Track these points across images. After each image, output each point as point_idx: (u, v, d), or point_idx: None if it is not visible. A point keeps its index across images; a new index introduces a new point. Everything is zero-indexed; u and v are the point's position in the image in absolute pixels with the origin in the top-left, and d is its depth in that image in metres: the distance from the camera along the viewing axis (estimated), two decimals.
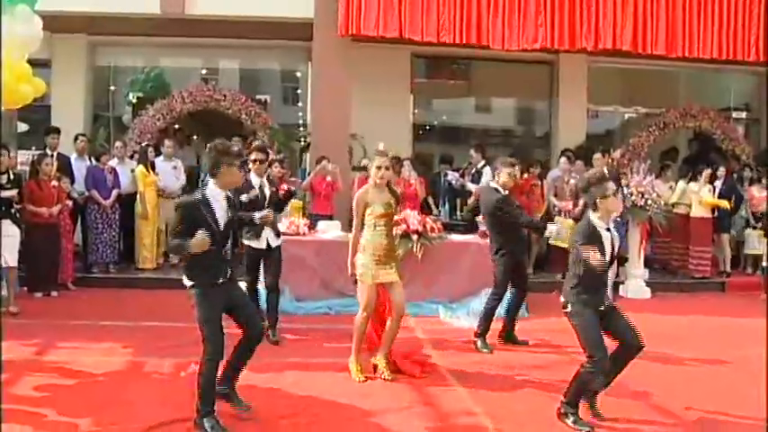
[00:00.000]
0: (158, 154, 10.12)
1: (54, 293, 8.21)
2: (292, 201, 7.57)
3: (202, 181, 9.99)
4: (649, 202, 8.89)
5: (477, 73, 13.08)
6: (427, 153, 13.04)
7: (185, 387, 4.68)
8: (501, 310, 6.58)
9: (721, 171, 10.50)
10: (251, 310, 4.56)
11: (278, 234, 6.42)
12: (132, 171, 9.65)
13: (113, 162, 9.60)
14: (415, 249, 7.76)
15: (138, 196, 9.45)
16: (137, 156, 9.94)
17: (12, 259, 7.41)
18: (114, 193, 9.28)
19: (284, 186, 6.54)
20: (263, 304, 6.36)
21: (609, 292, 4.52)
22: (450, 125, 13.74)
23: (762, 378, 5.20)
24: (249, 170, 6.14)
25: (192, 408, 4.20)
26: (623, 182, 8.79)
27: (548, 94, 12.66)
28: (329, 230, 8.26)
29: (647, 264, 9.68)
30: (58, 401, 4.71)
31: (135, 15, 10.28)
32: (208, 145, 4.39)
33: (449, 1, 9.64)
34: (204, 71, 12.77)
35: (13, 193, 7.55)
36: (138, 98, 12.34)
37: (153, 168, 9.70)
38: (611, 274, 6.87)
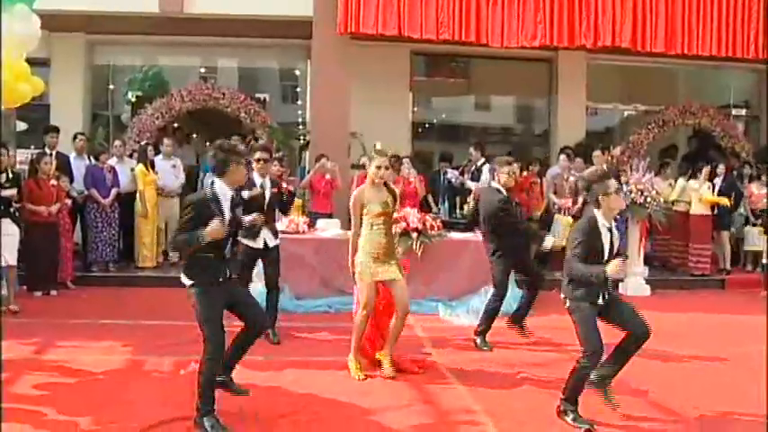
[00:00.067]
0: (157, 153, 10.10)
1: (53, 292, 8.21)
2: None
3: (202, 180, 10.03)
4: (649, 199, 8.89)
5: (476, 71, 13.08)
6: (427, 151, 13.04)
7: (185, 386, 4.67)
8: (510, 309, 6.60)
9: (721, 168, 10.46)
10: (253, 305, 4.55)
11: (276, 234, 6.42)
12: (132, 170, 9.65)
13: (112, 161, 9.59)
14: (414, 247, 7.75)
15: (137, 195, 9.45)
16: (136, 154, 9.95)
17: (11, 258, 7.41)
18: (113, 191, 9.27)
19: (285, 186, 6.53)
20: (262, 303, 6.34)
21: (609, 287, 4.49)
22: (450, 123, 13.75)
23: (762, 375, 5.21)
24: (252, 169, 6.14)
25: (192, 406, 4.20)
26: (623, 179, 8.78)
27: (547, 91, 12.65)
28: (328, 228, 8.27)
29: (647, 261, 9.69)
30: (58, 400, 4.70)
31: (133, 14, 10.28)
32: (213, 145, 4.42)
33: None
34: (203, 70, 12.76)
35: (12, 192, 7.55)
36: (136, 97, 12.35)
37: (152, 167, 9.69)
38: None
